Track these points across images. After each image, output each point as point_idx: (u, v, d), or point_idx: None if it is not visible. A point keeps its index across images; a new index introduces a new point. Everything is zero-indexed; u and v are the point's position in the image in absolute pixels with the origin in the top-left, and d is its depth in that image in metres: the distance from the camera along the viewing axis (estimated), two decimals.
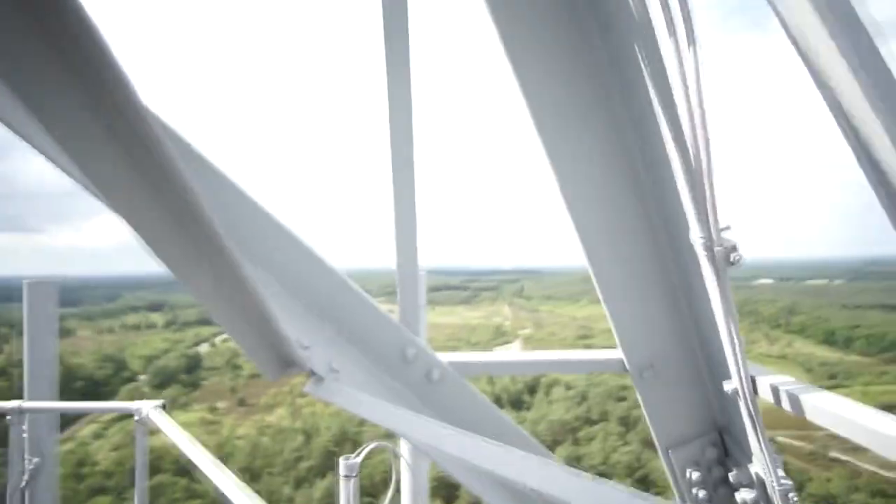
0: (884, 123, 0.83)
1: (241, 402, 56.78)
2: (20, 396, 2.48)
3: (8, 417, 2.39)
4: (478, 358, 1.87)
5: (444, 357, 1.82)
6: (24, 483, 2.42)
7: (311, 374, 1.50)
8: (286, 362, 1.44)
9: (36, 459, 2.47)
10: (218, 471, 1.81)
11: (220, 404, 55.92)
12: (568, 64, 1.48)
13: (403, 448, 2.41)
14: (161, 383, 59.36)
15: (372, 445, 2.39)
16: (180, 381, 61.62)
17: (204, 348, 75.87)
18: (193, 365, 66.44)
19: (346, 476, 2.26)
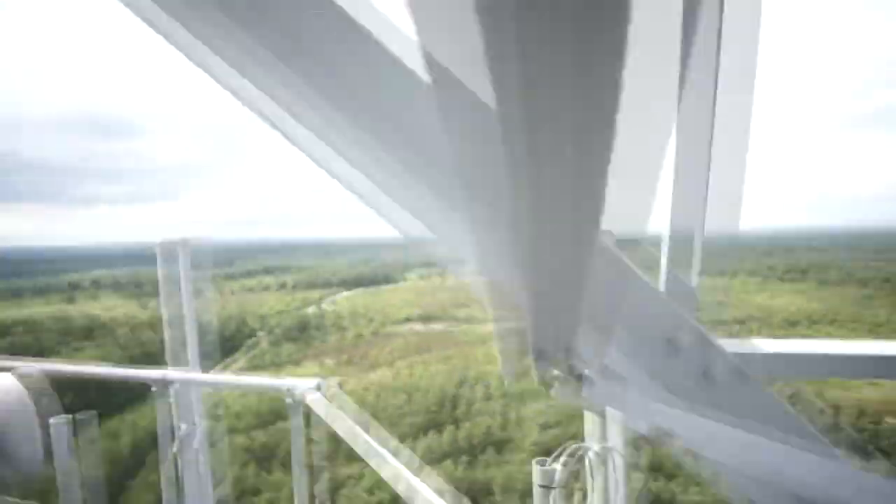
0: None
1: (348, 362, 60.53)
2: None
3: (153, 388, 2.27)
4: (783, 348, 1.26)
5: (729, 345, 1.23)
6: (174, 450, 2.33)
7: (576, 374, 0.98)
8: (543, 354, 0.94)
9: (184, 426, 2.38)
10: (388, 458, 1.46)
11: (329, 362, 60.03)
12: None
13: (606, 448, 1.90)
14: (277, 340, 65.06)
15: (572, 447, 1.89)
16: (293, 339, 67.09)
17: (312, 310, 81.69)
18: (304, 325, 71.97)
19: (545, 487, 1.79)
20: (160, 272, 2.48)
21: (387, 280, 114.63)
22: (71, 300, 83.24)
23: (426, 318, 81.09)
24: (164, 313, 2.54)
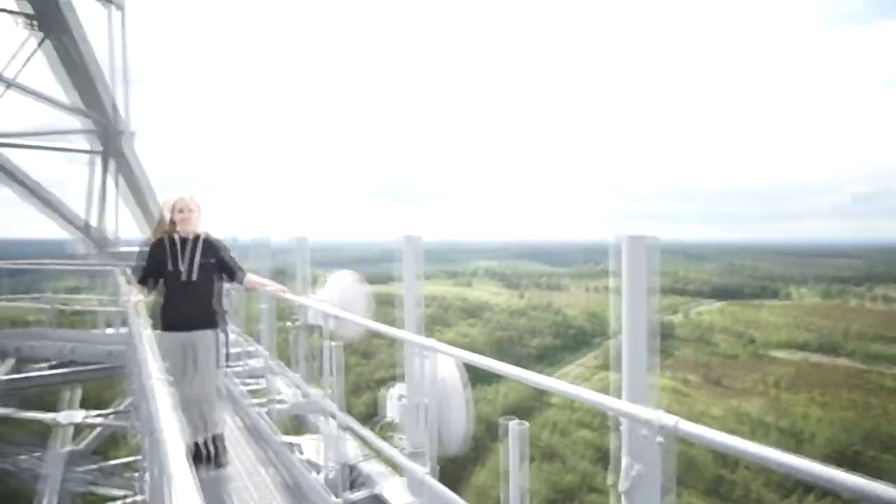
0: None
1: (716, 382, 54.22)
2: None
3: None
4: None
5: None
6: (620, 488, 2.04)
7: None
8: None
9: (636, 466, 1.98)
10: None
11: (692, 377, 55.07)
12: None
13: None
14: None
15: None
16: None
17: (678, 318, 76.71)
18: (666, 333, 68.40)
19: None
20: (624, 266, 2.11)
21: (764, 293, 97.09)
22: (468, 284, 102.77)
23: (826, 348, 64.60)
24: (614, 309, 2.22)
